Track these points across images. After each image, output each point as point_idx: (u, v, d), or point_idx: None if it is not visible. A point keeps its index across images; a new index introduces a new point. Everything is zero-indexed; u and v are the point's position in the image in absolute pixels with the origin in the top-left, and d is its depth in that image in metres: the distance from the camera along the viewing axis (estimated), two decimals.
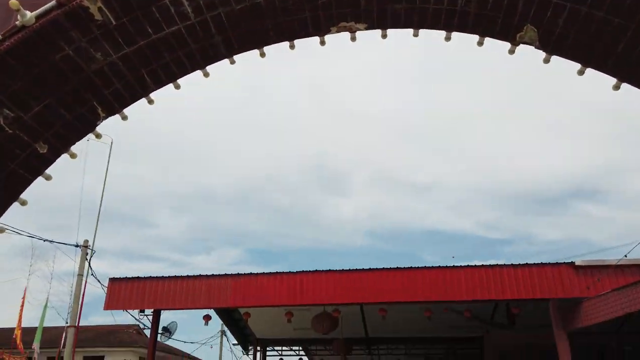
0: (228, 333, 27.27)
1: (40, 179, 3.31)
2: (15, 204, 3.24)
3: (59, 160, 3.33)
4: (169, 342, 42.27)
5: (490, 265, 12.94)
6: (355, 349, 25.32)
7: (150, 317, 15.40)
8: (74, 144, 3.28)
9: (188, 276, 14.35)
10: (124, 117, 3.66)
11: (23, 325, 33.11)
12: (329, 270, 13.75)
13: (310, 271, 13.79)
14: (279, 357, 29.96)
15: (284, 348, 29.41)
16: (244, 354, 27.09)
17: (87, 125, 3.23)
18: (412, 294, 12.99)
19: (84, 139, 3.54)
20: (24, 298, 23.54)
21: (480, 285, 12.25)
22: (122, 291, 14.27)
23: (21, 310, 23.29)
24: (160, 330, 15.92)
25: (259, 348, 26.79)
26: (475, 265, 12.83)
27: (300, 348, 29.88)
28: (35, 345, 22.60)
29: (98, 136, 3.71)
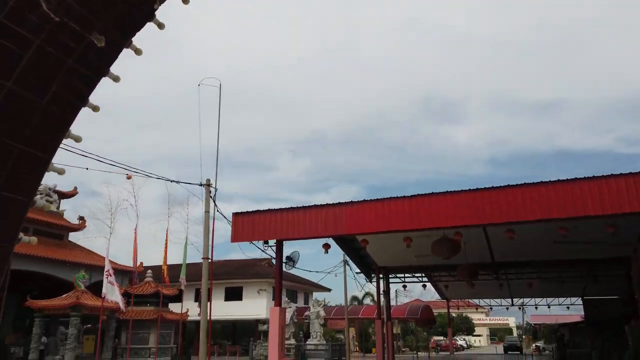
0: (351, 263, 28.05)
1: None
2: (87, 110, 3.08)
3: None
4: (299, 273, 44.99)
5: (638, 173, 11.09)
6: (482, 274, 24.50)
7: (275, 249, 16.11)
8: (133, 35, 2.99)
9: (304, 207, 14.58)
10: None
11: (172, 262, 37.34)
12: (447, 191, 12.95)
13: (427, 194, 13.12)
14: (402, 284, 30.32)
15: (406, 275, 29.63)
16: (367, 282, 27.75)
17: (144, 13, 2.90)
18: (543, 210, 11.75)
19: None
20: (166, 239, 26.44)
21: (628, 196, 10.59)
22: (245, 225, 15.03)
23: (165, 249, 26.26)
24: (284, 260, 16.65)
25: (381, 276, 27.28)
26: (620, 173, 11.07)
27: (423, 275, 29.86)
28: (182, 278, 25.36)
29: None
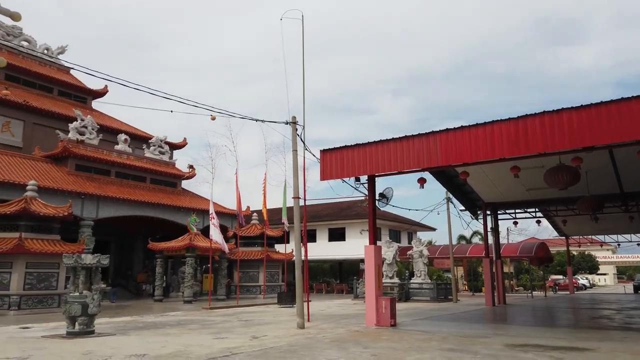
0: (455, 200, 26.48)
1: None
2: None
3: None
4: (401, 213, 44.02)
5: None
6: (608, 206, 21.65)
7: (367, 185, 15.32)
8: None
9: (395, 139, 13.45)
10: None
11: (275, 206, 38.46)
12: (561, 109, 10.96)
13: (538, 113, 11.25)
14: (513, 220, 28.13)
15: (517, 211, 27.38)
16: (473, 219, 26.10)
17: None
18: None
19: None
20: (265, 183, 26.93)
21: None
22: (334, 161, 14.36)
23: (264, 193, 26.80)
24: (377, 197, 15.84)
25: (488, 212, 25.44)
26: None
27: (537, 210, 27.35)
28: (284, 219, 25.80)
29: None
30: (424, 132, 12.90)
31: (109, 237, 36.08)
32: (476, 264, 44.22)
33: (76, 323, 12.58)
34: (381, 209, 40.59)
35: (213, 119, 13.37)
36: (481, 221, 25.76)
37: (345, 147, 14.25)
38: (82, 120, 31.23)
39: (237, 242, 30.11)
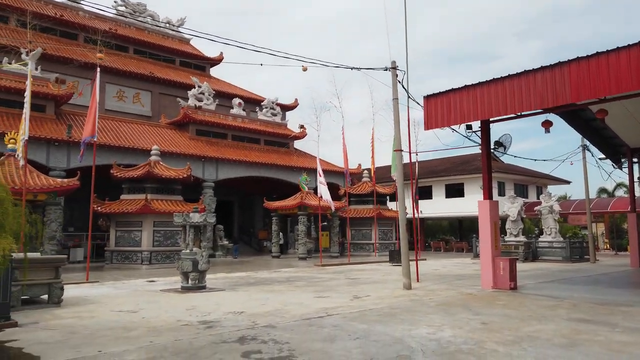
0: (593, 148, 22.98)
1: None
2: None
3: None
4: (522, 164, 40.02)
5: None
6: None
7: (480, 133, 13.61)
8: None
9: (511, 75, 11.53)
10: None
11: (387, 163, 37.22)
12: None
13: None
14: None
15: None
16: (615, 168, 22.47)
17: None
18: None
19: None
20: (372, 139, 25.93)
21: None
22: (440, 107, 12.87)
23: (372, 149, 25.87)
24: (492, 146, 14.02)
25: (635, 160, 21.65)
26: None
27: None
28: (393, 175, 24.71)
29: None
30: (547, 65, 10.83)
31: (232, 197, 38.26)
32: (620, 220, 38.98)
33: (189, 278, 13.16)
34: (500, 160, 37.35)
35: (305, 69, 12.68)
36: (625, 170, 22.08)
37: (453, 90, 12.64)
38: (199, 87, 32.79)
39: (348, 200, 29.84)
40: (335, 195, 32.45)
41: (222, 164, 29.88)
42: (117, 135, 27.30)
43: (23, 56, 25.94)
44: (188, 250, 13.36)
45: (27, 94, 15.52)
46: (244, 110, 35.04)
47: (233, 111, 33.90)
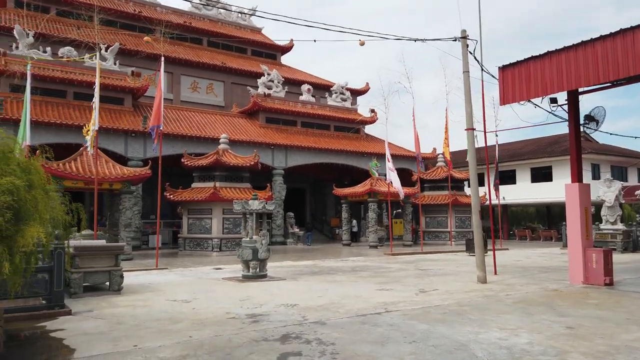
0: None
1: None
2: None
3: None
4: (620, 143, 35.83)
5: None
6: None
7: (567, 106, 11.92)
8: None
9: (603, 36, 9.80)
10: None
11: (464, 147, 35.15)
12: None
13: None
14: None
15: None
16: None
17: None
18: None
19: None
20: (446, 119, 24.28)
21: None
22: (518, 78, 11.35)
23: (445, 130, 24.22)
24: (582, 121, 12.22)
25: None
26: None
27: None
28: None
29: None
30: None
31: (303, 184, 38.16)
32: None
33: (249, 267, 12.87)
34: (594, 139, 33.74)
35: (362, 44, 11.74)
36: None
37: (533, 58, 11.08)
38: (268, 74, 32.74)
39: (421, 185, 28.44)
40: (407, 181, 31.13)
41: (291, 151, 29.68)
42: (190, 125, 27.96)
43: (102, 52, 27.32)
44: (248, 238, 13.06)
45: (97, 86, 16.02)
46: (313, 96, 34.57)
47: (302, 98, 33.55)
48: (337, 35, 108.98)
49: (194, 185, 22.49)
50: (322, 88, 37.78)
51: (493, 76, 12.71)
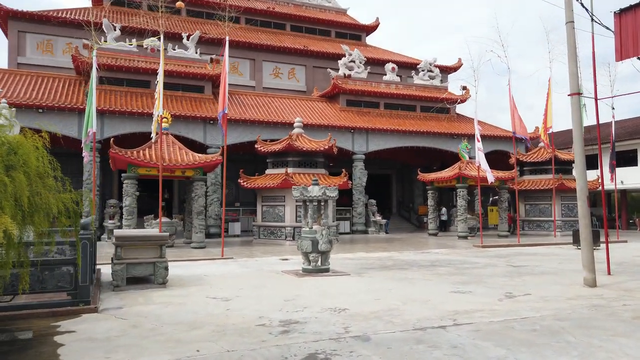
0: None
1: None
2: None
3: None
4: None
5: None
6: None
7: None
8: None
9: None
10: None
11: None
12: None
13: None
14: None
15: None
16: None
17: None
18: None
19: None
20: (548, 92, 21.02)
21: None
22: (639, 25, 8.70)
23: (546, 105, 20.97)
24: None
25: None
26: None
27: None
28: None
29: None
30: None
31: (389, 170, 36.24)
32: None
33: (309, 259, 11.63)
34: None
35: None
36: None
37: None
38: (350, 54, 31.16)
39: (520, 169, 25.30)
40: (504, 165, 27.94)
41: (372, 134, 27.95)
42: (269, 110, 27.37)
43: (184, 41, 27.60)
44: (307, 228, 11.80)
45: (160, 72, 15.66)
46: (399, 76, 32.38)
47: (386, 78, 31.51)
48: (430, 12, 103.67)
49: (267, 171, 21.78)
50: (408, 67, 35.38)
51: (608, 28, 10.07)
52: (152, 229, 15.91)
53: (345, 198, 31.28)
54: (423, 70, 33.07)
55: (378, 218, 26.97)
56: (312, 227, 11.77)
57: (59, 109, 21.81)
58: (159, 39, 17.64)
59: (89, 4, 34.67)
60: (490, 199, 34.50)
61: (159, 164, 16.75)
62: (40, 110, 21.54)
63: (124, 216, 18.12)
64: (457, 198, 23.87)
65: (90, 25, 17.86)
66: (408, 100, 31.35)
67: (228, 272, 12.12)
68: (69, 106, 21.86)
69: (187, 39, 27.32)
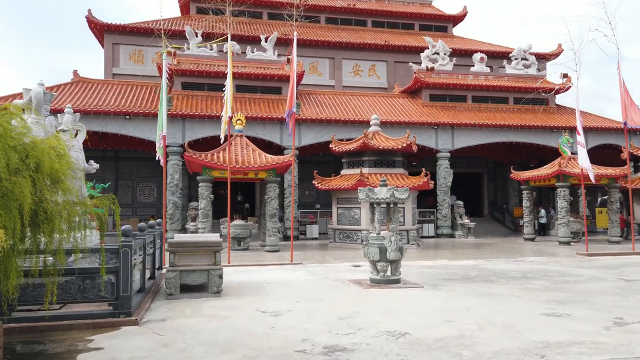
0: None
1: None
2: None
3: None
4: None
5: None
6: None
7: None
8: None
9: None
10: None
11: None
12: None
13: None
14: None
15: None
16: None
17: None
18: None
19: None
20: None
21: None
22: None
23: None
24: None
25: None
26: None
27: None
28: None
29: None
30: None
31: (479, 168, 33.75)
32: None
33: (377, 269, 10.51)
34: None
35: None
36: None
37: None
38: (433, 46, 29.31)
39: (635, 165, 21.97)
40: (614, 160, 24.47)
41: (458, 130, 25.93)
42: (347, 109, 26.46)
43: (262, 43, 27.62)
44: (374, 234, 10.68)
45: (229, 71, 15.36)
46: (489, 67, 29.87)
47: (474, 69, 29.18)
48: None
49: (342, 172, 20.87)
50: (499, 56, 32.63)
51: None
52: (210, 235, 15.68)
53: (430, 199, 29.50)
54: (516, 59, 30.21)
55: (466, 221, 24.91)
56: (379, 233, 10.64)
57: (144, 115, 22.66)
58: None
59: (177, 14, 36.27)
60: (599, 199, 30.65)
61: (230, 165, 16.55)
62: (127, 117, 22.53)
63: (199, 219, 18.21)
64: (558, 198, 21.19)
65: (166, 33, 18.22)
66: (499, 92, 28.78)
67: (292, 279, 11.38)
68: (152, 112, 22.63)
69: (265, 41, 27.31)
